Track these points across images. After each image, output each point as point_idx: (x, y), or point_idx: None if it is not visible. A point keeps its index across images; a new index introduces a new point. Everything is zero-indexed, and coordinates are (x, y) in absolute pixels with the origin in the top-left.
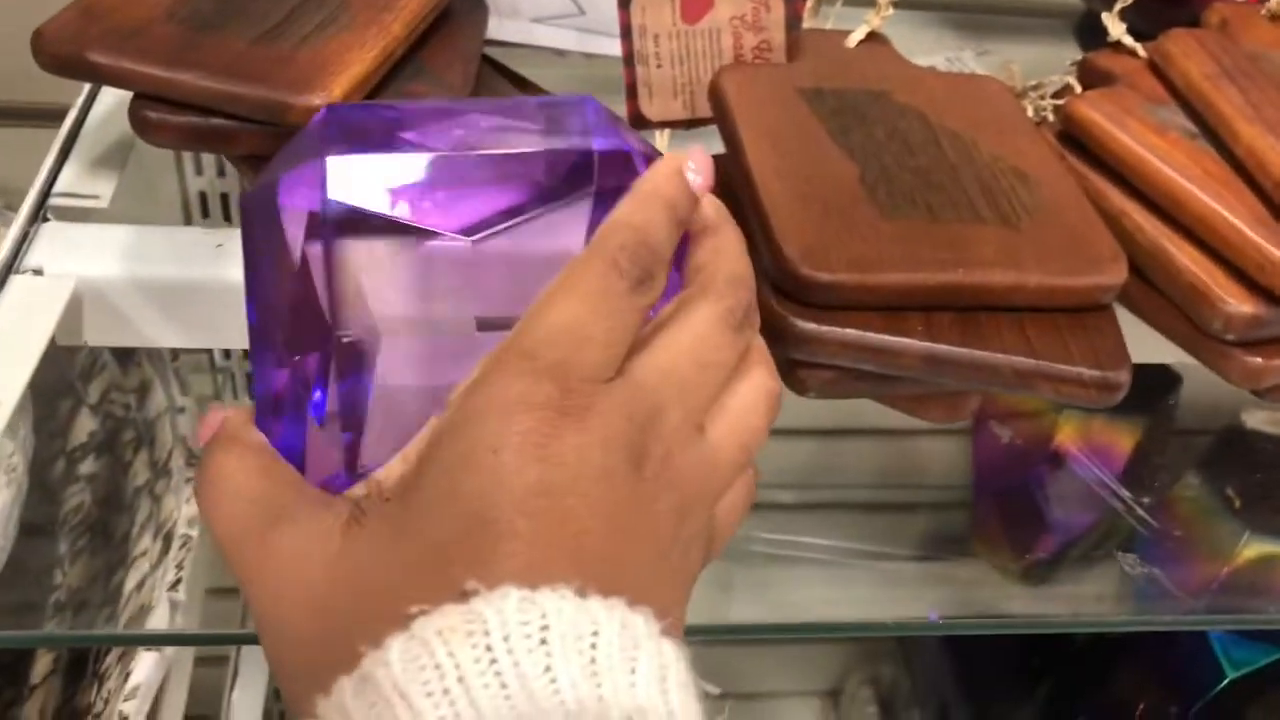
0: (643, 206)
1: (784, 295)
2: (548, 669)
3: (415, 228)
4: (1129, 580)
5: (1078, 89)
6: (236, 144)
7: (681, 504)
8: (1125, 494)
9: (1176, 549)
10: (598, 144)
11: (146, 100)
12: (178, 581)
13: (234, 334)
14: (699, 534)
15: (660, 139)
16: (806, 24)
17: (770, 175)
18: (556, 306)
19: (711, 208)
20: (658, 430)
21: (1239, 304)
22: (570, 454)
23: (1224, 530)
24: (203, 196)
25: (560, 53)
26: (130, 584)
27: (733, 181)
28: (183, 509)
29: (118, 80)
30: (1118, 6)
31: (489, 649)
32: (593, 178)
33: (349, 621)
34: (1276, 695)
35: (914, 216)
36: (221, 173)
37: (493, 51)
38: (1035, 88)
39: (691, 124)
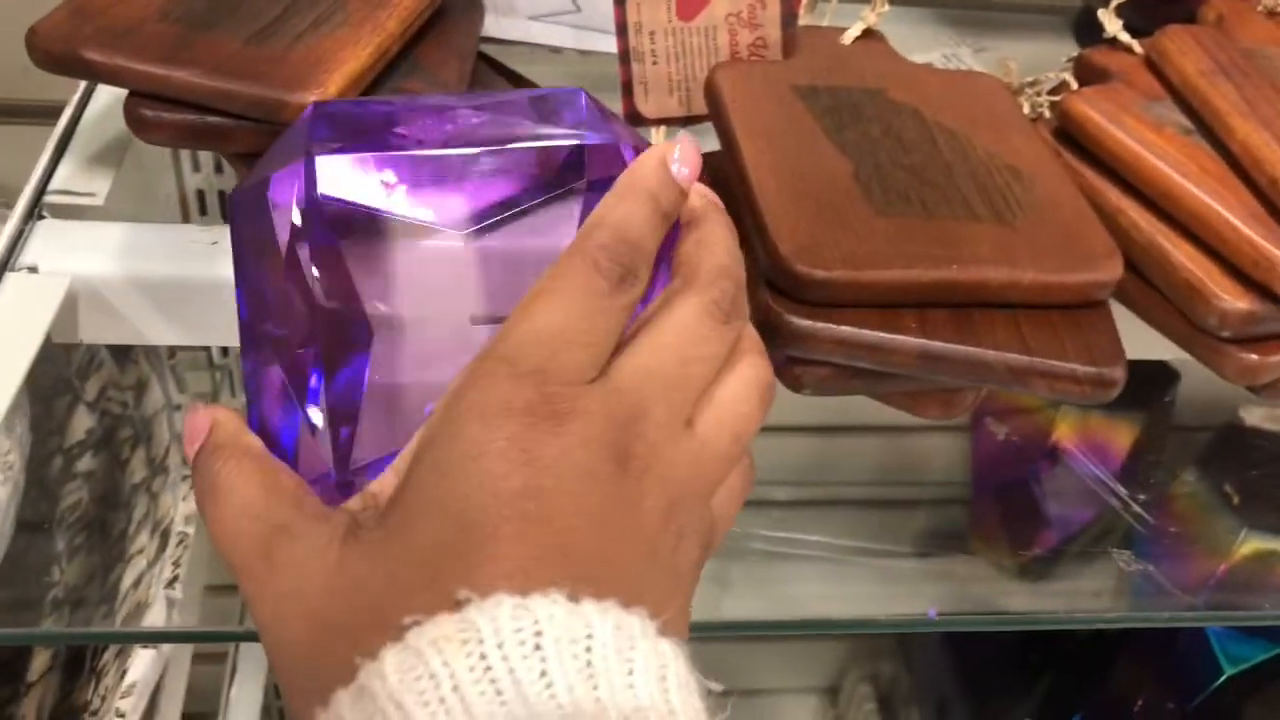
0: (624, 201)
1: (778, 292)
2: (543, 674)
3: (406, 223)
4: (1126, 576)
5: (1074, 85)
6: (232, 142)
7: (670, 500)
8: (1123, 491)
9: (1174, 545)
10: (589, 138)
11: (142, 98)
12: (175, 579)
13: (229, 331)
14: (693, 528)
15: (656, 136)
16: (802, 21)
17: (765, 172)
18: (537, 310)
19: (698, 199)
20: (640, 429)
21: (1234, 300)
22: (553, 457)
23: (1222, 527)
24: (200, 194)
25: (556, 50)
26: (127, 581)
27: (728, 178)
28: (180, 506)
29: (112, 77)
30: (1114, 3)
31: (483, 657)
32: (584, 171)
33: (346, 635)
34: (1274, 691)
35: (909, 213)
36: (219, 170)
37: (488, 49)
38: (1032, 84)
39: (687, 121)
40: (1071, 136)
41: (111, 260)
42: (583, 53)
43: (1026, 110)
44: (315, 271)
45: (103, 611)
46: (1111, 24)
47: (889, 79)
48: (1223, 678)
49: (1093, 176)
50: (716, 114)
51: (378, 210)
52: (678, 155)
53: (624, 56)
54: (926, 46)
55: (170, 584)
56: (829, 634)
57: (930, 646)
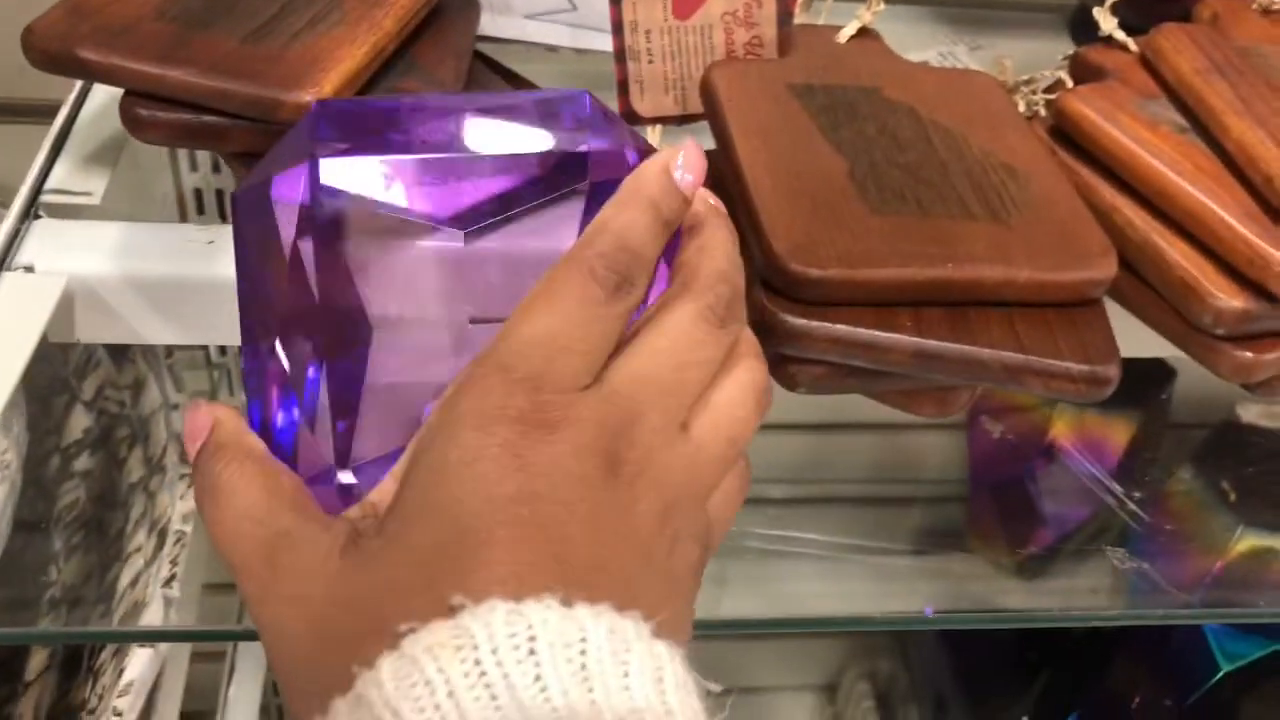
0: (625, 209)
1: (773, 291)
2: (537, 678)
3: (408, 224)
4: (1123, 574)
5: (1069, 84)
6: (228, 141)
7: (665, 503)
8: (1119, 488)
9: (1171, 543)
10: (591, 141)
11: (138, 97)
12: (172, 577)
13: (226, 330)
14: (689, 531)
15: (652, 135)
16: (798, 19)
17: (760, 171)
18: (532, 317)
19: (701, 204)
20: (634, 434)
21: (1229, 299)
22: (546, 464)
23: (1218, 524)
24: (197, 193)
25: (552, 48)
26: (125, 580)
27: (723, 177)
28: (177, 505)
29: (108, 77)
30: (1109, 1)
31: (478, 662)
32: (586, 174)
33: (346, 643)
34: (1270, 688)
35: (904, 212)
36: (216, 169)
37: (485, 47)
38: (1027, 83)
39: (683, 120)
40: (1067, 134)
41: (108, 259)
42: (579, 51)
43: (1022, 108)
44: (317, 271)
45: (100, 610)
46: (1107, 22)
47: (884, 77)
48: (1219, 674)
49: (1088, 174)
50: (712, 112)
51: (380, 211)
52: (681, 162)
53: (619, 55)
54: (922, 44)
55: (168, 583)
56: (826, 632)
57: (928, 644)
